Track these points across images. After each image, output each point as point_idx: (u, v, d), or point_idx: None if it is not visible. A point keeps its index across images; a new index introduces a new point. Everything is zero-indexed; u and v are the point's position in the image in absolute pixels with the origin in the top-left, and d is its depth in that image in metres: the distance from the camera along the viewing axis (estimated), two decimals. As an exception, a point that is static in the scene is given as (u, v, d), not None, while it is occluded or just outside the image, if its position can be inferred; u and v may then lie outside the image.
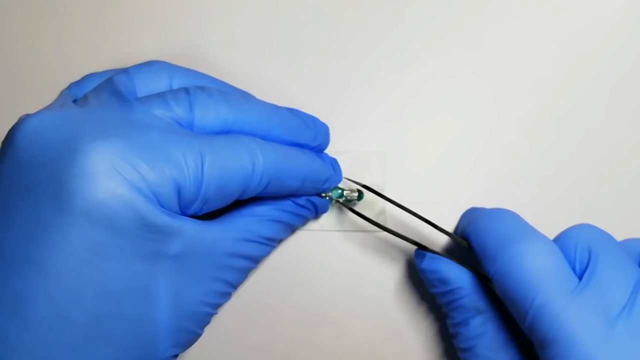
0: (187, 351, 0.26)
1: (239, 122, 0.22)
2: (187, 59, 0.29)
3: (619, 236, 0.23)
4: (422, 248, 0.25)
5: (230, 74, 0.29)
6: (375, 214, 0.28)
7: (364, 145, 0.29)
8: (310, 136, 0.25)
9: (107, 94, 0.20)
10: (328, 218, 0.28)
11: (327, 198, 0.27)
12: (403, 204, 0.25)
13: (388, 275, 0.28)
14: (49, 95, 0.29)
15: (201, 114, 0.21)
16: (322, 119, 0.28)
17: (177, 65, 0.23)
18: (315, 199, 0.26)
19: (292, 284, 0.27)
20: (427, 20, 0.30)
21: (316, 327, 0.27)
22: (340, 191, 0.27)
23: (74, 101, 0.21)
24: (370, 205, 0.28)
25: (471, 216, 0.26)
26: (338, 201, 0.27)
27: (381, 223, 0.28)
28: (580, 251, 0.21)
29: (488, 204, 0.28)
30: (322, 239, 0.28)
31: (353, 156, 0.28)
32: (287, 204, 0.24)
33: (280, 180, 0.22)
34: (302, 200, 0.25)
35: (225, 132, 0.21)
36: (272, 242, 0.24)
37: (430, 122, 0.29)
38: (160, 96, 0.21)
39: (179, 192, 0.19)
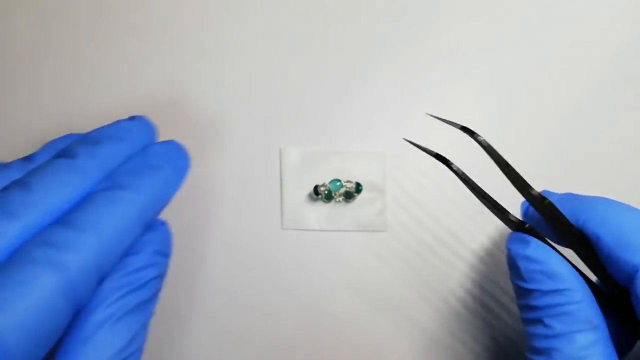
0: (189, 349, 0.27)
1: (37, 220, 0.17)
2: (186, 60, 0.29)
3: None
4: (526, 231, 0.21)
5: (230, 75, 0.29)
6: (376, 212, 0.28)
7: (364, 145, 0.29)
8: (127, 150, 0.20)
9: None
10: (328, 218, 0.28)
11: (326, 191, 0.27)
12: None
13: (388, 275, 0.28)
14: (48, 94, 0.29)
15: None
16: (323, 119, 0.29)
17: None
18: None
19: (292, 284, 0.27)
20: (427, 20, 0.30)
21: (316, 326, 0.27)
22: (338, 183, 0.27)
23: None
24: (370, 203, 0.28)
25: (578, 203, 0.21)
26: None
27: (380, 223, 0.28)
28: None
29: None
30: (322, 239, 0.28)
31: (353, 156, 0.28)
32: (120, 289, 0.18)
33: (114, 251, 0.17)
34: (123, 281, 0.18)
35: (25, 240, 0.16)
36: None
37: (429, 122, 0.29)
38: None
39: None
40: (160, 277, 0.20)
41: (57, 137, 0.22)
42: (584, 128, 0.29)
